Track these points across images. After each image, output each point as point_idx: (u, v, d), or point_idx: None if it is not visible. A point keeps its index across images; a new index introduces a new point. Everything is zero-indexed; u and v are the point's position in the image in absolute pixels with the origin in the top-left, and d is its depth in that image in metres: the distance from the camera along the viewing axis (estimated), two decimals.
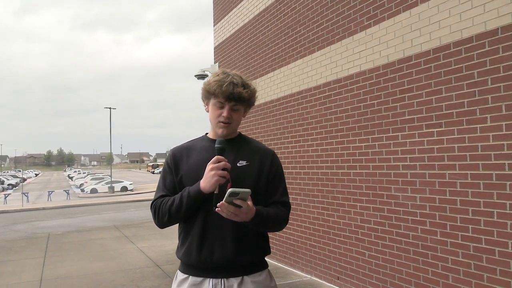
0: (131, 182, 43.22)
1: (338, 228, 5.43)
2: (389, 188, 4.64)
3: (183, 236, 1.99)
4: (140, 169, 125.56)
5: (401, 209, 4.48)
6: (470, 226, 3.75)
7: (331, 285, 5.54)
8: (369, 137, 4.90)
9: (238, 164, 1.95)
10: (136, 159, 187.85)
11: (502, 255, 3.50)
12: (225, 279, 1.91)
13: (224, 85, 1.90)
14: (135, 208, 22.38)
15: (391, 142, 4.60)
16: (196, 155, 2.01)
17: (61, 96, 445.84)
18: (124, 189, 40.47)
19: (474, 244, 3.72)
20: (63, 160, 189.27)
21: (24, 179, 61.82)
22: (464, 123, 3.81)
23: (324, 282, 5.68)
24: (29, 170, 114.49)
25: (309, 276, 5.95)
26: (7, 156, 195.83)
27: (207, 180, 1.83)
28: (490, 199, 3.59)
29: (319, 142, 5.80)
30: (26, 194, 30.98)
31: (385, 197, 4.69)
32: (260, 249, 2.02)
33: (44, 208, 25.39)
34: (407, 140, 4.40)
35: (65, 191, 36.00)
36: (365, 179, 4.99)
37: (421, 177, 4.25)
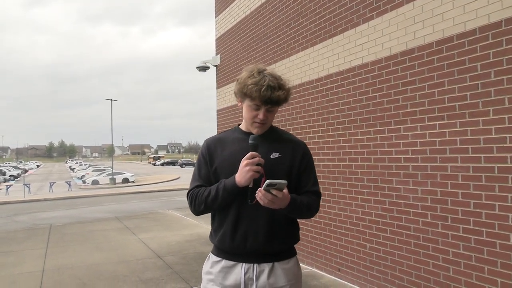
0: (133, 174, 43.31)
1: (339, 220, 5.45)
2: (390, 180, 4.64)
3: (218, 223, 2.10)
4: (141, 161, 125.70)
5: (403, 201, 4.48)
6: (472, 218, 3.76)
7: (332, 277, 5.56)
8: (371, 129, 4.89)
9: (271, 156, 2.03)
10: (138, 151, 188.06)
11: (503, 247, 3.51)
12: (256, 264, 2.02)
13: (262, 90, 1.91)
14: (136, 200, 22.44)
15: (393, 134, 4.59)
16: (229, 147, 2.09)
17: (65, 88, 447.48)
18: (126, 180, 40.55)
19: (475, 237, 3.73)
20: (65, 152, 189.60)
21: (26, 170, 61.98)
22: (467, 116, 3.80)
23: (325, 274, 5.71)
24: (30, 162, 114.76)
25: (310, 268, 5.98)
26: (8, 147, 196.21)
27: (242, 175, 1.91)
28: (492, 192, 3.59)
29: (320, 134, 5.79)
30: (27, 185, 31.09)
31: (387, 189, 4.69)
32: (291, 237, 2.13)
33: (45, 199, 25.46)
34: (409, 133, 4.39)
35: (66, 182, 36.13)
36: (366, 171, 4.99)
37: (422, 169, 4.25)
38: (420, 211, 4.28)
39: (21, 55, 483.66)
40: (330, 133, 5.59)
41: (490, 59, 3.61)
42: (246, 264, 2.02)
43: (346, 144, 5.30)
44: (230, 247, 2.04)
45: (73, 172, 65.47)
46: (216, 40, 9.37)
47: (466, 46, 3.80)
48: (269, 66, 6.94)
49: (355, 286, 5.15)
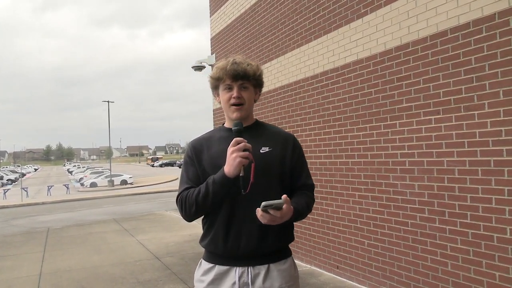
0: (131, 176, 43.15)
1: (337, 218, 5.43)
2: (387, 176, 4.63)
3: (208, 225, 2.00)
4: (139, 163, 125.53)
5: (400, 197, 4.47)
6: (469, 212, 3.75)
7: (331, 274, 5.55)
8: (367, 125, 4.88)
9: (261, 151, 1.95)
10: (136, 153, 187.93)
11: (500, 241, 3.50)
12: (251, 267, 1.93)
13: (228, 66, 1.93)
14: (135, 202, 22.38)
15: (389, 130, 4.58)
16: (216, 146, 2.00)
17: (69, 91, 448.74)
18: (124, 182, 40.44)
19: (473, 231, 3.72)
20: (62, 155, 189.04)
21: (23, 174, 61.78)
22: (462, 109, 3.79)
23: (324, 271, 5.69)
24: (28, 165, 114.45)
25: (309, 266, 5.96)
26: (6, 151, 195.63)
27: (230, 163, 1.82)
28: (489, 186, 3.58)
29: (316, 131, 5.78)
30: (25, 189, 30.94)
31: (384, 185, 4.68)
32: (285, 237, 2.04)
33: (43, 203, 25.37)
34: (405, 128, 4.38)
35: (64, 185, 35.95)
36: (363, 167, 4.97)
37: (419, 164, 4.24)
38: (417, 206, 4.27)
39: (29, 60, 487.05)
40: (326, 130, 5.58)
41: (484, 52, 3.60)
42: (240, 268, 1.92)
43: (343, 141, 5.29)
44: (222, 250, 1.93)
45: (71, 175, 65.27)
46: (211, 39, 9.35)
47: (460, 40, 3.79)
48: (264, 64, 6.94)
49: (354, 283, 5.14)
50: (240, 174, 1.82)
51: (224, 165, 1.87)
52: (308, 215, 2.10)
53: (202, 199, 1.89)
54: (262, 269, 1.94)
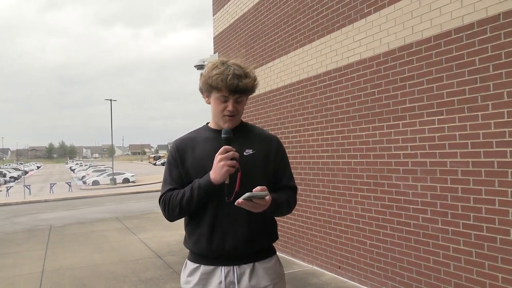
0: (133, 174, 43.23)
1: (339, 218, 5.42)
2: (390, 177, 4.61)
3: (193, 226, 1.99)
4: (141, 161, 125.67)
5: (402, 197, 4.46)
6: (472, 214, 3.73)
7: (333, 274, 5.54)
8: (370, 126, 4.86)
9: (244, 153, 1.95)
10: (138, 151, 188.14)
11: (503, 242, 3.48)
12: (236, 266, 1.94)
13: (228, 79, 1.85)
14: (136, 200, 22.40)
15: (392, 130, 4.56)
16: (201, 147, 1.99)
17: (71, 89, 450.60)
18: (126, 180, 40.51)
19: (476, 232, 3.70)
20: (65, 153, 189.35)
21: (26, 172, 61.94)
22: (465, 110, 3.77)
23: (325, 271, 5.68)
24: (31, 163, 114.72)
25: (311, 266, 5.95)
26: (8, 149, 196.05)
27: (217, 171, 1.82)
28: (492, 187, 3.56)
29: (319, 131, 5.77)
30: (28, 187, 31.04)
31: (386, 186, 4.66)
32: (270, 236, 2.05)
33: (46, 200, 25.40)
34: (408, 129, 4.36)
35: (67, 183, 36.04)
36: (366, 168, 4.96)
37: (422, 165, 4.22)
38: (420, 207, 4.26)
39: (32, 58, 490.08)
40: (329, 130, 5.56)
41: (488, 53, 3.58)
42: (226, 267, 1.93)
43: (345, 141, 5.27)
44: (207, 251, 1.93)
45: (74, 173, 65.38)
46: (214, 38, 9.34)
47: (464, 40, 3.77)
48: (267, 63, 6.94)
49: (356, 284, 5.13)
50: (226, 182, 1.84)
51: (208, 166, 1.88)
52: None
53: (186, 203, 1.90)
54: (247, 268, 1.95)
